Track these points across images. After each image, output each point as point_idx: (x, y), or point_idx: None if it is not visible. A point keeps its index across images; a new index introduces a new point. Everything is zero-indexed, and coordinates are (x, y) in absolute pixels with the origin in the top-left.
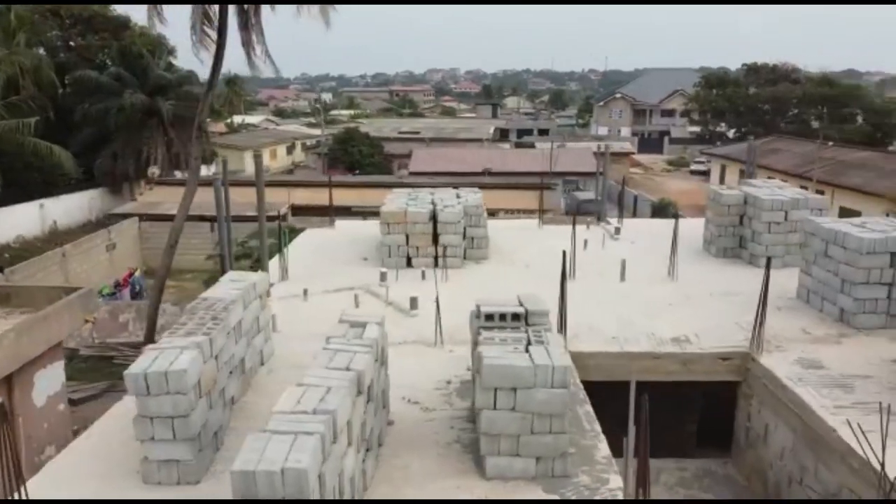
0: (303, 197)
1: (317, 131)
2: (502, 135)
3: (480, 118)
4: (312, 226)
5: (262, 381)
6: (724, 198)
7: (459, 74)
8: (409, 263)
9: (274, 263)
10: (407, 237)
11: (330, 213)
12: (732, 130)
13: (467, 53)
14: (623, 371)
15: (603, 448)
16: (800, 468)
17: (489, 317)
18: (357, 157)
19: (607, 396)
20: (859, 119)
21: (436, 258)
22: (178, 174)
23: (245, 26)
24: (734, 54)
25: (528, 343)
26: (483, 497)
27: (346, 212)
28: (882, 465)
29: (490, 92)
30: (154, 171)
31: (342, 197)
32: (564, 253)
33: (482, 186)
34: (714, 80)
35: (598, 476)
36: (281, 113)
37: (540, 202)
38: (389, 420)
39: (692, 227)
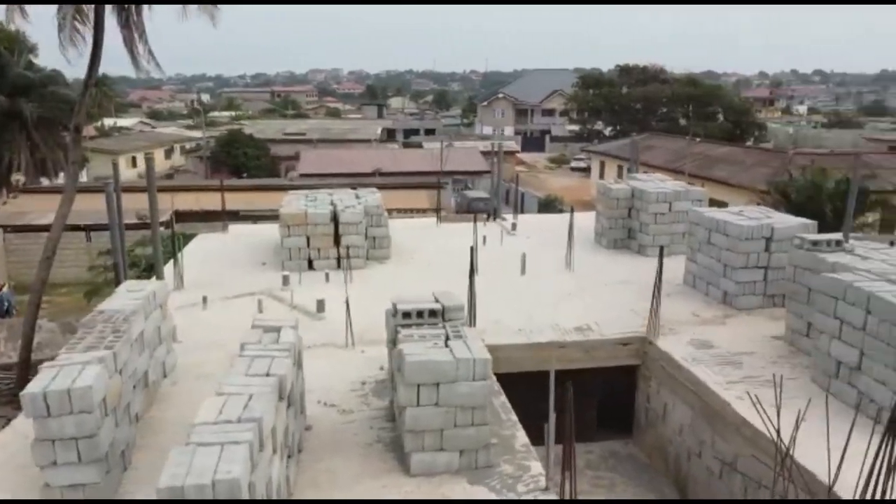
0: (187, 202)
1: (196, 134)
2: (389, 135)
3: (367, 119)
4: (202, 231)
5: (166, 393)
6: (612, 192)
7: (342, 75)
8: (310, 266)
9: (167, 272)
10: (308, 239)
11: (223, 217)
12: (609, 128)
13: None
14: (531, 362)
15: (521, 437)
16: (698, 442)
17: (406, 314)
18: (242, 160)
19: (518, 387)
20: (720, 117)
21: (338, 259)
22: (46, 181)
23: (126, 24)
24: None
25: (447, 338)
26: (408, 493)
27: (235, 216)
28: (777, 431)
29: (374, 92)
30: (18, 178)
31: (230, 201)
32: (472, 249)
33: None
34: (590, 81)
35: (519, 464)
36: (156, 115)
37: (437, 201)
38: (307, 425)
39: (582, 221)
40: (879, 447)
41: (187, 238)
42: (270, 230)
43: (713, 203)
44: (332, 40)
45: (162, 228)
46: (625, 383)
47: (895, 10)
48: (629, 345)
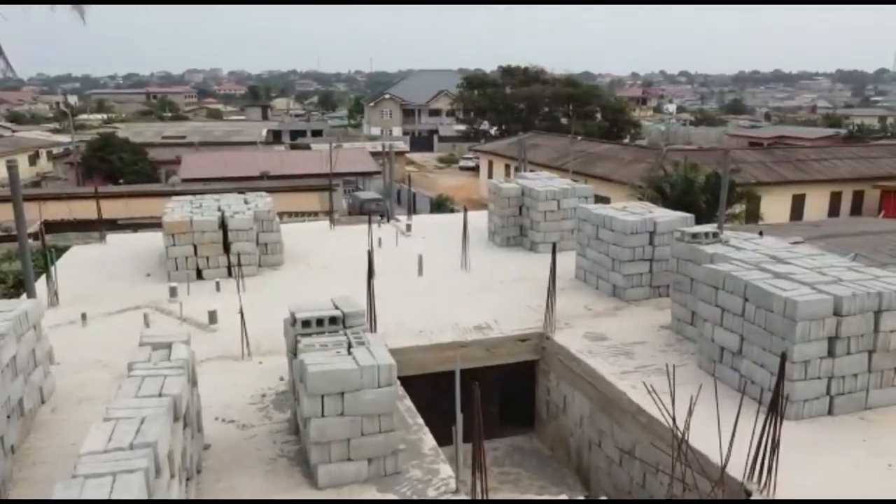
0: (58, 211)
1: (63, 138)
2: (275, 137)
3: (250, 120)
4: (75, 242)
5: (45, 421)
6: (503, 191)
7: (222, 75)
8: (199, 275)
9: (39, 288)
10: (195, 248)
11: (100, 227)
12: (494, 128)
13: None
14: (434, 362)
15: (428, 440)
16: (598, 432)
17: (306, 323)
18: (118, 165)
19: (421, 389)
20: (598, 116)
21: (229, 267)
22: None
23: None
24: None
25: (350, 346)
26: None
27: (113, 225)
28: (673, 418)
29: (257, 93)
30: None
31: (107, 209)
32: (369, 253)
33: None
34: (475, 82)
35: (428, 468)
36: (17, 118)
37: (330, 204)
38: (206, 444)
39: (475, 220)
40: (764, 427)
41: (60, 250)
42: (152, 239)
43: (597, 199)
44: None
45: (31, 241)
46: (524, 378)
47: (750, 14)
48: (527, 340)
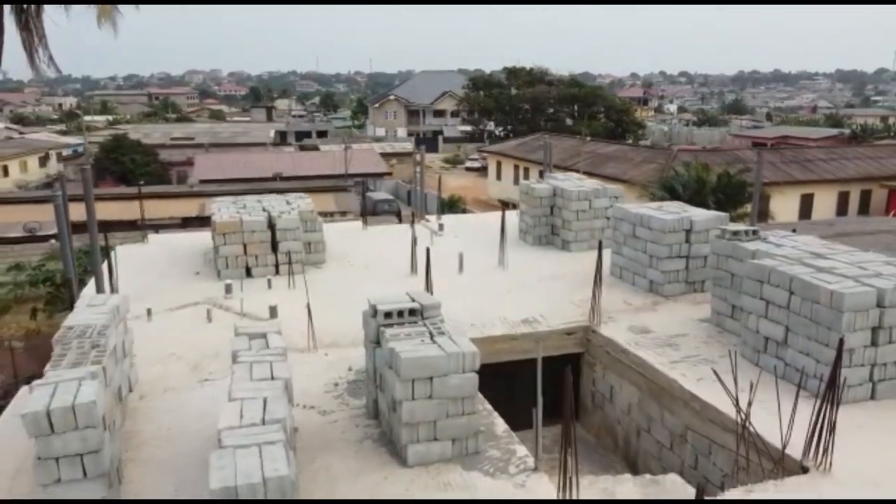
0: (80, 212)
1: (71, 139)
2: (281, 138)
3: (256, 121)
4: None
5: (136, 408)
6: (536, 191)
7: (222, 76)
8: (248, 273)
9: (93, 286)
10: (245, 247)
11: (142, 227)
12: (500, 128)
13: (228, 55)
14: (485, 354)
15: (500, 423)
16: (647, 419)
17: (388, 314)
18: (130, 167)
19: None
20: (602, 117)
21: (277, 265)
22: None
23: (26, 26)
24: (486, 56)
25: (432, 335)
26: (410, 482)
27: (132, 225)
28: (737, 400)
29: (258, 94)
30: None
31: (129, 210)
32: (428, 250)
33: (277, 190)
34: (480, 83)
35: (505, 448)
36: (21, 119)
37: (363, 204)
38: (294, 426)
39: (498, 220)
40: (820, 410)
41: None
42: (193, 239)
43: None
44: (210, 40)
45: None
46: (562, 371)
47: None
48: (574, 334)
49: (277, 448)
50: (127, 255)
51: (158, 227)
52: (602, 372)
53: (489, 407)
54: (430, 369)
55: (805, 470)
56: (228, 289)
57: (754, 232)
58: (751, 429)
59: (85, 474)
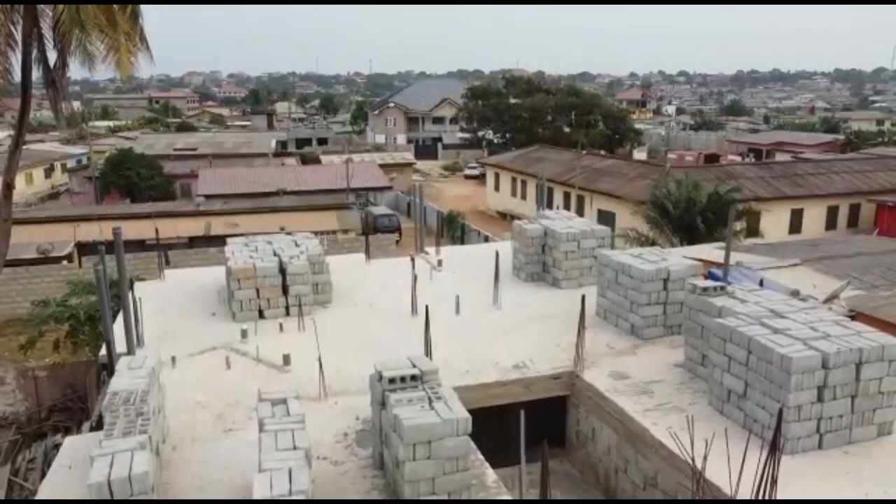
0: (90, 232)
1: (74, 149)
2: (282, 147)
3: (256, 129)
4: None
5: (170, 459)
6: (527, 232)
7: (221, 77)
8: (261, 315)
9: (118, 327)
10: (257, 291)
11: (160, 261)
12: (498, 135)
13: (228, 55)
14: (479, 399)
15: (490, 474)
16: (623, 460)
17: (391, 380)
18: (135, 181)
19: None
20: (601, 124)
21: (287, 308)
22: None
23: (52, 84)
24: (485, 57)
25: (430, 400)
26: None
27: (141, 245)
28: (692, 460)
29: (258, 97)
30: None
31: (136, 229)
32: (427, 308)
33: (280, 209)
34: (479, 91)
35: (494, 499)
36: None
37: (366, 243)
38: (309, 448)
39: (498, 251)
40: (764, 467)
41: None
42: (207, 276)
43: (601, 214)
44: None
45: (65, 262)
46: (551, 410)
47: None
48: (559, 378)
49: None
50: (146, 294)
51: (167, 246)
52: (585, 413)
53: (481, 457)
54: (429, 434)
55: None
56: (244, 333)
57: (722, 288)
58: (703, 480)
59: None
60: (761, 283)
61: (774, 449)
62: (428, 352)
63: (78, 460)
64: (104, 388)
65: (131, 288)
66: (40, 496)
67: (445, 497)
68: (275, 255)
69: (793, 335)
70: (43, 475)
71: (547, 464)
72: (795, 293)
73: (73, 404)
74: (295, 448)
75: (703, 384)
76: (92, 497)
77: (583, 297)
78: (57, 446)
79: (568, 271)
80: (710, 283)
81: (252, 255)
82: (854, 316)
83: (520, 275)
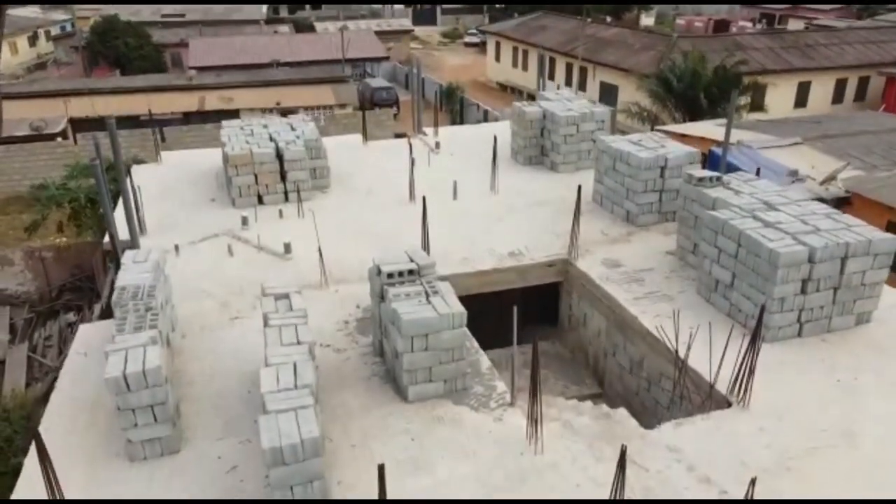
0: (82, 108)
1: (57, 14)
2: (274, 11)
3: None
4: (100, 141)
5: (180, 346)
6: (526, 114)
7: None
8: (260, 201)
9: (119, 213)
10: (256, 177)
11: (156, 140)
12: None
13: None
14: (476, 286)
15: (484, 361)
16: (612, 345)
17: (390, 275)
18: (123, 51)
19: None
20: None
21: (286, 193)
22: None
23: None
24: None
25: (427, 295)
26: (410, 417)
27: (135, 121)
28: (676, 351)
29: None
30: None
31: (129, 104)
32: (424, 199)
33: (275, 82)
34: None
35: (487, 384)
36: None
37: (361, 99)
38: (315, 366)
39: (496, 131)
40: (744, 356)
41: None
42: (203, 158)
43: (604, 87)
44: None
45: (60, 140)
46: (550, 291)
47: None
48: (553, 266)
49: (309, 412)
50: (145, 178)
51: (162, 122)
52: (577, 300)
53: (476, 345)
54: (426, 328)
55: (729, 404)
56: (244, 221)
57: (718, 178)
58: (686, 366)
59: (155, 419)
60: (758, 172)
61: (754, 341)
62: (426, 240)
63: (92, 348)
64: (110, 272)
65: (129, 173)
66: (60, 384)
67: (442, 382)
68: (271, 139)
69: (783, 228)
70: (60, 352)
71: (538, 358)
72: (794, 173)
73: (82, 283)
74: (299, 342)
75: (692, 272)
76: (109, 389)
77: (579, 188)
78: (70, 325)
79: (566, 155)
80: (705, 174)
81: (248, 141)
82: (850, 196)
83: (518, 158)
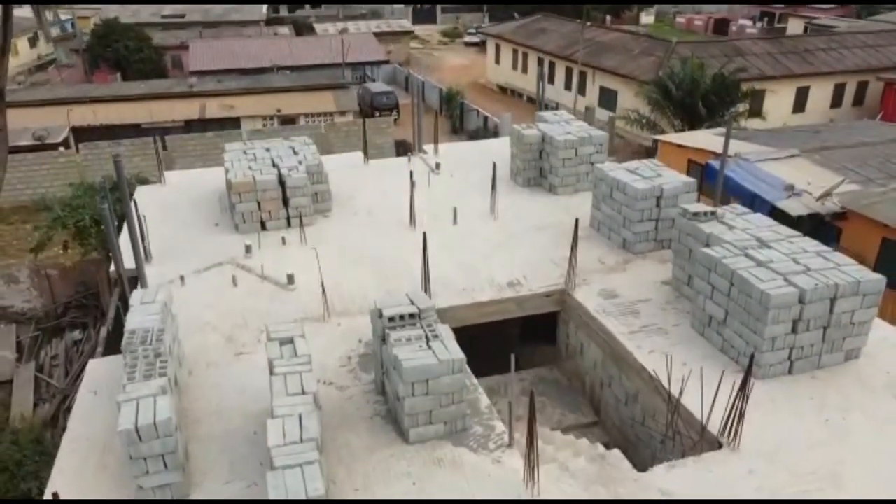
0: (84, 116)
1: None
2: (274, 10)
3: None
4: (108, 151)
5: (187, 384)
6: (525, 138)
7: None
8: (263, 227)
9: (123, 239)
10: (258, 203)
11: (158, 159)
12: None
13: None
14: (475, 317)
15: (483, 399)
16: (608, 376)
17: (391, 318)
18: (124, 54)
19: (462, 336)
20: None
21: (288, 219)
22: None
23: None
24: None
25: (427, 339)
26: (412, 458)
27: (136, 129)
28: (669, 393)
29: None
30: None
31: (130, 112)
32: (425, 233)
33: (276, 89)
34: None
35: (486, 424)
36: None
37: (361, 104)
38: (317, 394)
39: (496, 148)
40: (734, 402)
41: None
42: (206, 179)
43: (603, 92)
44: None
45: (62, 149)
46: (549, 317)
47: None
48: (551, 296)
49: (314, 469)
50: (148, 200)
51: (163, 130)
52: (575, 330)
53: (475, 382)
54: (427, 373)
55: (720, 445)
56: (248, 249)
57: (712, 213)
58: (678, 406)
59: (166, 467)
60: (753, 201)
61: (744, 386)
62: (426, 272)
63: (101, 385)
64: (115, 293)
65: (132, 196)
66: (71, 424)
67: (442, 424)
68: (273, 165)
69: (774, 268)
70: (66, 372)
71: (534, 408)
72: (790, 188)
73: (87, 301)
74: (304, 392)
75: (687, 304)
76: (122, 440)
77: (576, 221)
78: (76, 342)
79: (564, 178)
80: (700, 208)
81: (251, 166)
82: (845, 212)
83: (517, 179)
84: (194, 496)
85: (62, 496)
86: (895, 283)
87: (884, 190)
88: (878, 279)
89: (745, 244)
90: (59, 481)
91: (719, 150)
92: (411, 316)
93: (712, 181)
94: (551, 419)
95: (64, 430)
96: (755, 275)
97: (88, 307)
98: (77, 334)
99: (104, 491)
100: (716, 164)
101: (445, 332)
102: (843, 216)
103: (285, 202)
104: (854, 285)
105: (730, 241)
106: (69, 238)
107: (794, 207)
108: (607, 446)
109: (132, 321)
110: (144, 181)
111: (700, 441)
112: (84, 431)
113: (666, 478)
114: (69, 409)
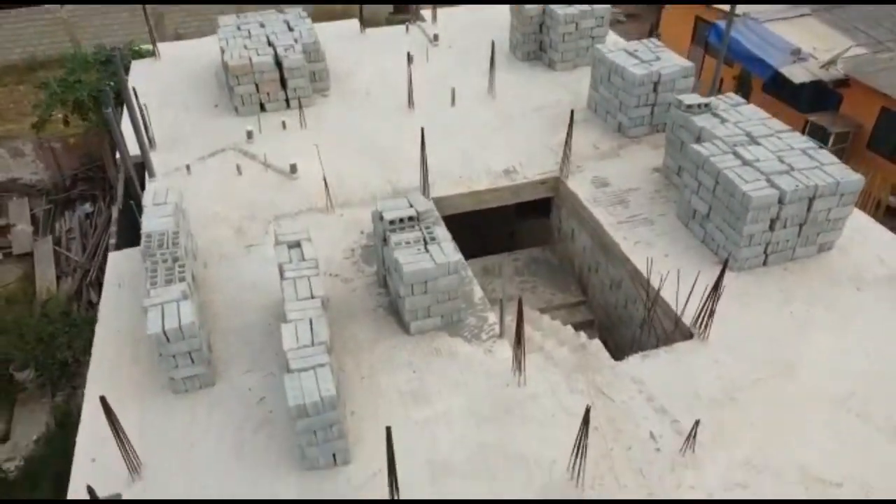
0: None
1: None
2: None
3: None
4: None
5: (203, 277)
6: (526, 10)
7: None
8: (262, 108)
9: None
10: (257, 86)
11: (152, 37)
12: None
13: None
14: (471, 204)
15: (477, 291)
16: (595, 262)
17: (391, 221)
18: None
19: (460, 222)
20: None
21: (287, 100)
22: None
23: None
24: None
25: (426, 242)
26: (413, 349)
27: None
28: (648, 281)
29: None
30: None
31: None
32: (423, 130)
33: None
34: None
35: (479, 316)
36: None
37: (360, 10)
38: (326, 297)
39: (495, 20)
40: (708, 297)
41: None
42: (201, 50)
43: None
44: None
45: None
46: (538, 204)
47: None
48: (546, 183)
49: (325, 371)
50: (145, 79)
51: None
52: (567, 216)
53: (470, 274)
54: (425, 276)
55: (691, 335)
56: (249, 135)
57: (706, 105)
58: (658, 297)
59: (192, 362)
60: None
61: (717, 286)
62: (424, 161)
63: (124, 277)
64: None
65: (128, 72)
66: (102, 315)
67: (439, 317)
68: (269, 44)
69: (759, 168)
70: (83, 246)
71: (522, 317)
72: (797, 52)
73: (94, 174)
74: (312, 297)
75: (675, 193)
76: (153, 341)
77: (571, 112)
78: (88, 215)
79: (564, 53)
80: (694, 100)
81: (246, 45)
82: (847, 79)
83: (516, 53)
84: (219, 385)
85: (102, 391)
86: (890, 152)
87: (891, 56)
88: (858, 179)
89: (735, 140)
90: (98, 374)
91: (726, 8)
92: (410, 219)
93: (718, 42)
94: (542, 297)
95: (89, 303)
96: (740, 175)
97: (95, 179)
98: (88, 207)
99: (140, 381)
100: (723, 24)
101: (443, 234)
102: (845, 83)
103: (283, 84)
104: (833, 186)
105: (720, 137)
106: (68, 113)
107: (797, 74)
108: (592, 324)
109: (147, 224)
110: (138, 54)
111: (674, 331)
112: (114, 323)
113: (639, 366)
114: (91, 284)
